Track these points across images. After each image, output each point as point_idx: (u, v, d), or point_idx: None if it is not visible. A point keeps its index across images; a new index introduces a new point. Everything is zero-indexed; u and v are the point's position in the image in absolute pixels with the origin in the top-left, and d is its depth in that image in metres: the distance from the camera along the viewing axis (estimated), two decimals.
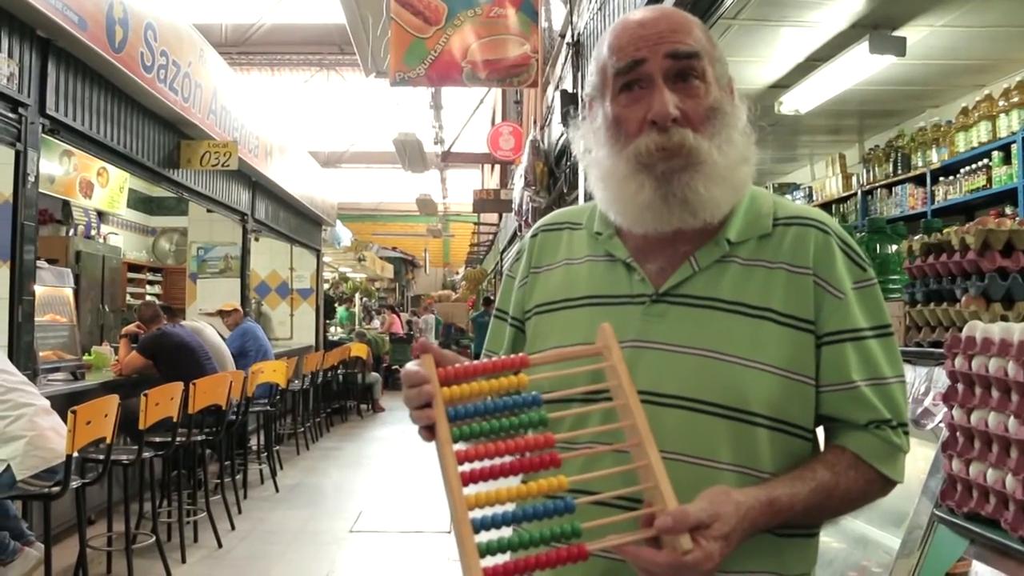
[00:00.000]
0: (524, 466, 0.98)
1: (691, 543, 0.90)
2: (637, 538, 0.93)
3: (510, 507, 0.97)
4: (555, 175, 8.96)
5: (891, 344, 1.12)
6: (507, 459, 0.97)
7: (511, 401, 1.00)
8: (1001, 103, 5.21)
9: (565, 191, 8.32)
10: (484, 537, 0.92)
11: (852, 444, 1.08)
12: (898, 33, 4.44)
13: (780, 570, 1.08)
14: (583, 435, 1.06)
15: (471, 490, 0.94)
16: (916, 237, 1.83)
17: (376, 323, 16.39)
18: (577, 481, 0.99)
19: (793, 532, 1.09)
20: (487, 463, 0.97)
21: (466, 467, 0.95)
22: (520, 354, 1.05)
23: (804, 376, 1.07)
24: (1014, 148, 4.97)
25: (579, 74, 7.37)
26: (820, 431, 1.16)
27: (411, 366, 1.01)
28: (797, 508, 1.01)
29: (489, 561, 0.90)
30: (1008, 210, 4.99)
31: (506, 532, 0.95)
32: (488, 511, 0.94)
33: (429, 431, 0.99)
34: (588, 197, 1.24)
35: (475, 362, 1.04)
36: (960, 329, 1.44)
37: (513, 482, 0.99)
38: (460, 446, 0.97)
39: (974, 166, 5.39)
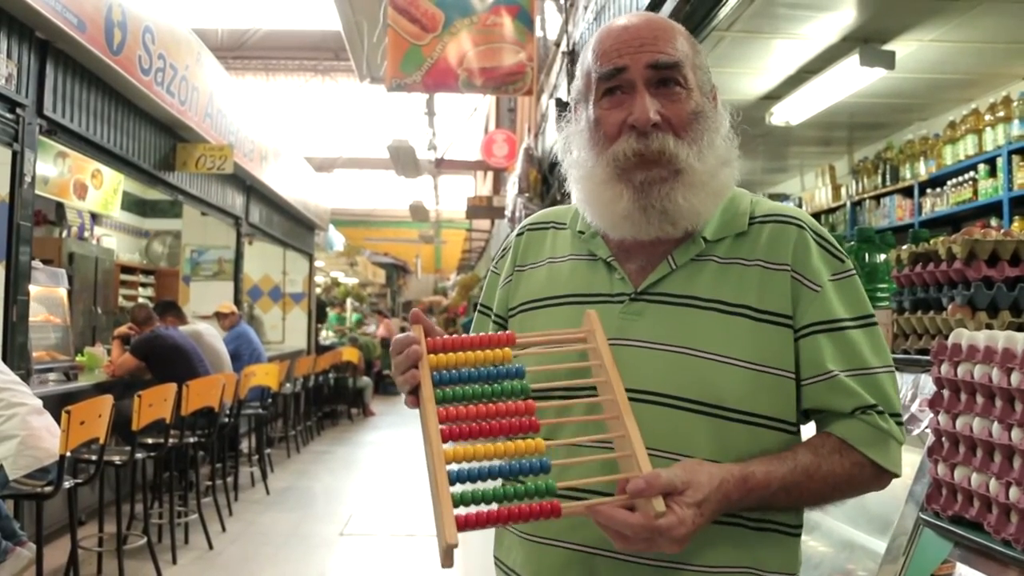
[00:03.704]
0: (504, 429, 1.00)
1: (664, 506, 0.91)
2: (610, 501, 0.95)
3: (488, 464, 1.00)
4: (549, 182, 9.00)
5: (875, 334, 1.12)
6: (489, 422, 1.00)
7: (495, 371, 1.03)
8: (987, 117, 5.28)
9: (559, 198, 8.36)
10: (460, 489, 0.94)
11: (837, 430, 1.08)
12: (888, 47, 4.50)
13: (756, 566, 1.07)
14: (564, 407, 1.09)
15: (451, 447, 0.96)
16: (904, 247, 1.87)
17: (371, 328, 16.37)
18: (555, 445, 1.02)
19: (768, 526, 1.08)
20: (468, 424, 0.99)
21: (447, 426, 0.98)
22: (508, 331, 1.08)
23: (782, 370, 1.08)
24: (999, 161, 5.04)
25: (574, 83, 7.42)
26: (810, 427, 1.16)
27: (401, 335, 1.05)
28: (773, 486, 1.02)
29: (463, 510, 0.92)
30: (993, 222, 5.06)
31: (482, 487, 0.98)
32: (465, 466, 0.97)
33: (414, 397, 1.01)
34: None
35: (463, 336, 1.07)
36: (946, 337, 1.47)
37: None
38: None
39: (961, 179, 5.46)
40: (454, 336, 1.06)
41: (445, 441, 0.96)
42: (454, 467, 0.95)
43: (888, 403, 1.09)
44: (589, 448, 1.06)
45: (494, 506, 0.96)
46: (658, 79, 1.10)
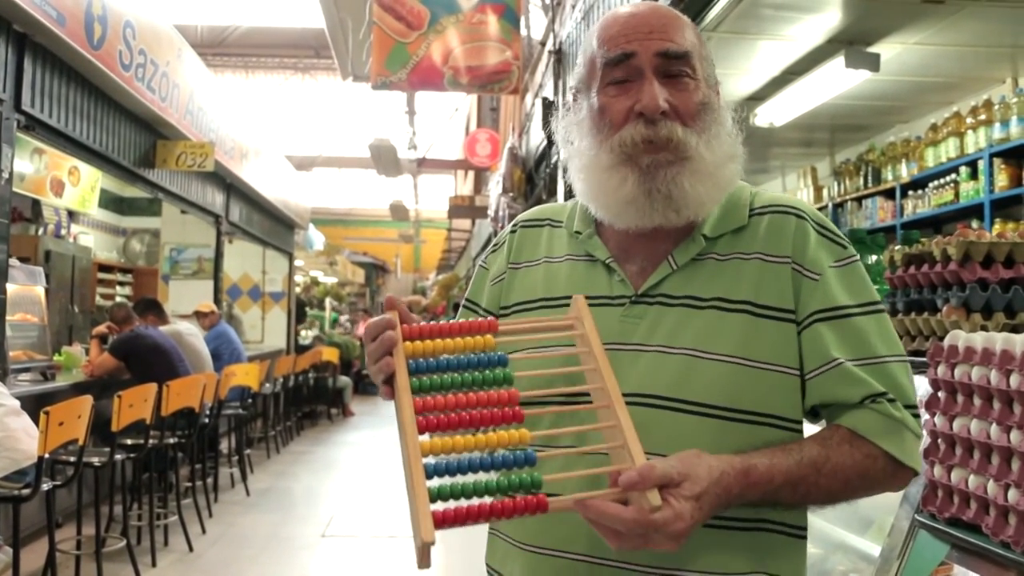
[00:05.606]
0: (486, 419, 0.93)
1: (660, 500, 0.85)
2: (601, 494, 0.88)
3: (468, 456, 0.92)
4: (533, 182, 9.00)
5: (882, 321, 1.07)
6: (469, 412, 0.93)
7: (476, 359, 0.97)
8: (969, 120, 5.33)
9: (544, 198, 8.36)
10: (437, 483, 0.88)
11: (846, 420, 1.03)
12: (872, 49, 4.53)
13: (762, 569, 1.04)
14: (550, 396, 1.04)
15: (428, 440, 0.90)
16: (897, 247, 1.88)
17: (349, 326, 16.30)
18: (540, 436, 0.97)
19: (774, 527, 1.05)
20: (447, 414, 0.93)
21: (424, 417, 0.91)
22: (490, 318, 1.02)
23: (786, 367, 1.05)
24: (981, 164, 5.08)
25: (560, 82, 7.44)
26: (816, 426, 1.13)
27: (375, 319, 0.99)
28: (777, 480, 0.96)
29: (440, 506, 0.85)
30: (975, 224, 5.10)
31: (462, 480, 0.90)
32: (444, 458, 0.90)
33: (389, 387, 0.95)
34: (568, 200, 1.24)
35: (442, 322, 1.01)
36: (941, 338, 1.47)
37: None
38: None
39: (942, 181, 5.51)
40: (432, 324, 0.99)
41: (422, 432, 0.90)
42: (431, 460, 0.89)
43: (901, 392, 1.03)
44: (583, 455, 1.01)
45: (475, 501, 0.88)
46: (666, 69, 1.07)
